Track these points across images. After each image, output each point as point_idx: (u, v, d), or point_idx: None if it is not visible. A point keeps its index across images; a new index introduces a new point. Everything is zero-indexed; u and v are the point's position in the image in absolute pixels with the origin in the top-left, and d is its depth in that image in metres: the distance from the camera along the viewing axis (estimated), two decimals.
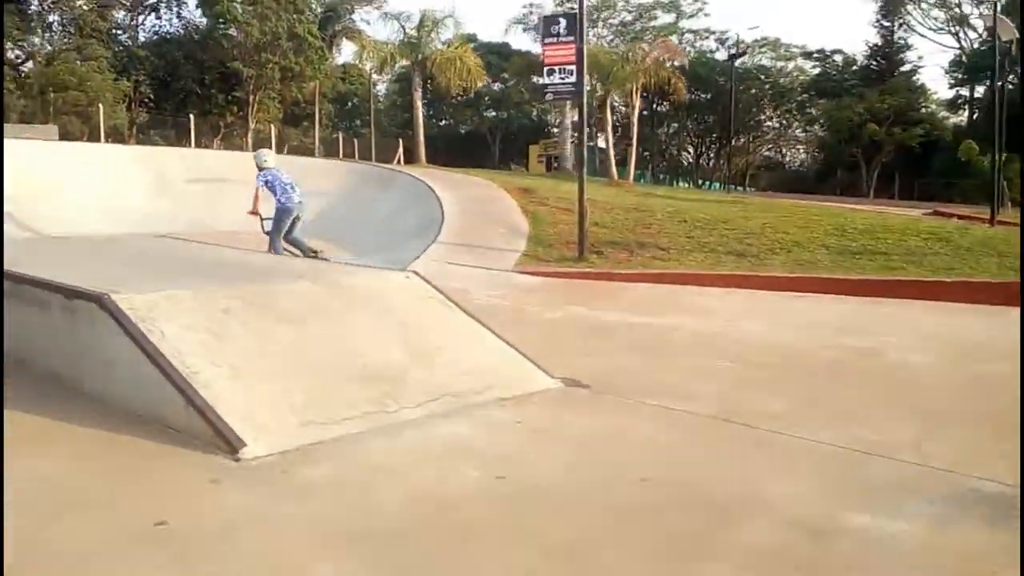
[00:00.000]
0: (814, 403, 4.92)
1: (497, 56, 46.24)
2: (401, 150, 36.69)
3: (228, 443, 3.76)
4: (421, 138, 32.95)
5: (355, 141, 40.20)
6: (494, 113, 56.29)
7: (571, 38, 11.16)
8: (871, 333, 7.14)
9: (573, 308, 8.39)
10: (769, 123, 53.82)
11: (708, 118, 51.49)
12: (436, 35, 31.76)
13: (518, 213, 13.75)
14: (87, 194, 14.04)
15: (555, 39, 11.35)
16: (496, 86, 50.32)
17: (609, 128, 28.29)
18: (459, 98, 51.09)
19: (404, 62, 33.93)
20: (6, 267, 5.63)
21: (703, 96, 47.73)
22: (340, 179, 16.79)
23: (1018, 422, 3.94)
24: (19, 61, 38.97)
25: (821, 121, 47.25)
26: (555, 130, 57.97)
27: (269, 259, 7.00)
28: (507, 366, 5.30)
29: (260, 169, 11.00)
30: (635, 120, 30.23)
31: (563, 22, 11.38)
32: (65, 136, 24.17)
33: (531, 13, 45.04)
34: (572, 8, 38.86)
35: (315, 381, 4.45)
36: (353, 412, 4.27)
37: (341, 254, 12.76)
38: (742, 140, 52.30)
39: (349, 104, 55.89)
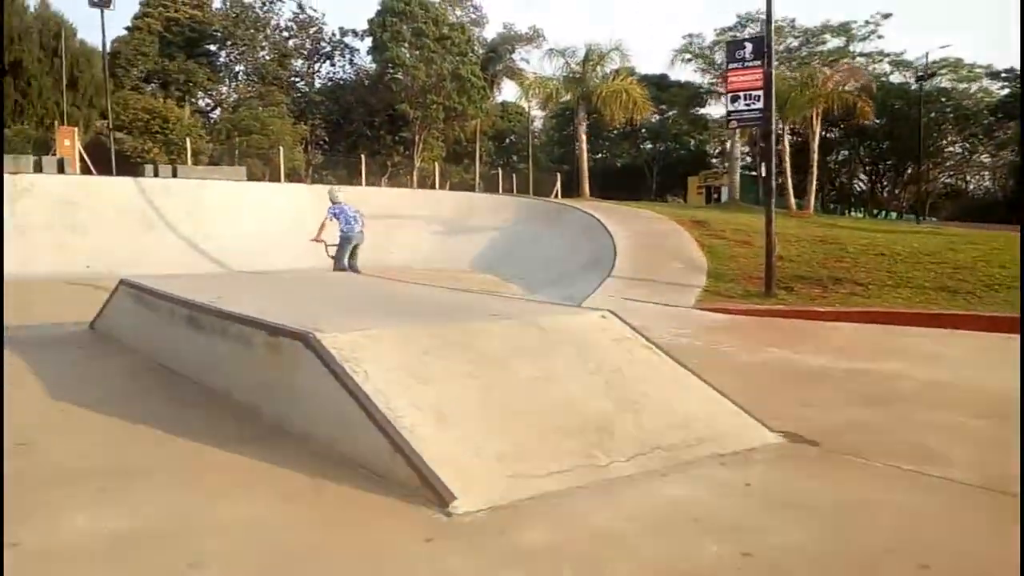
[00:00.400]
0: None
1: (656, 88, 45.70)
2: (559, 184, 36.83)
3: (437, 495, 3.49)
4: (585, 171, 32.88)
5: (513, 176, 40.81)
6: (651, 145, 55.61)
7: (758, 63, 10.55)
8: None
9: (773, 350, 7.68)
10: (951, 148, 49.72)
11: (882, 144, 48.27)
12: (601, 68, 31.67)
13: (694, 246, 13.11)
14: (271, 230, 14.77)
15: (740, 64, 10.77)
16: (654, 118, 49.67)
17: (787, 157, 26.86)
18: (617, 131, 50.92)
19: (567, 96, 34.02)
20: (212, 303, 5.76)
21: (876, 121, 44.86)
22: (508, 214, 16.84)
23: None
24: (208, 108, 42.72)
25: (1013, 145, 43.05)
26: (714, 160, 56.64)
27: (459, 296, 6.84)
28: (720, 417, 4.78)
29: (332, 203, 12.40)
30: (815, 147, 28.52)
31: (749, 47, 10.79)
32: (249, 177, 25.97)
33: (691, 44, 44.27)
34: (754, 33, 37.84)
35: (520, 428, 4.13)
36: (561, 465, 3.90)
37: (511, 288, 12.65)
38: (923, 167, 48.75)
39: (507, 140, 57.15)
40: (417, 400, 4.12)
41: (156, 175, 18.88)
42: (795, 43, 45.57)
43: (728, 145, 56.34)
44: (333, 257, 12.21)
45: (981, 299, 9.98)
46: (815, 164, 28.73)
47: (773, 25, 10.60)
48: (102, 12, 22.42)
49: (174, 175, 18.87)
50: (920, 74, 38.91)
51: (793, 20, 44.35)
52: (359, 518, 3.48)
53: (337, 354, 4.31)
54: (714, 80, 41.62)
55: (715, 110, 47.83)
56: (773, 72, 10.43)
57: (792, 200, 25.64)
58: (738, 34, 40.22)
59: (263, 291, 6.87)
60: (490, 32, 48.71)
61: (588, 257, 12.96)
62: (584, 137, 33.40)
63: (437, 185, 34.95)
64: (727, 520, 3.45)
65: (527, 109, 47.00)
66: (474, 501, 3.45)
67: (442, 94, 38.18)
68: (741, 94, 10.68)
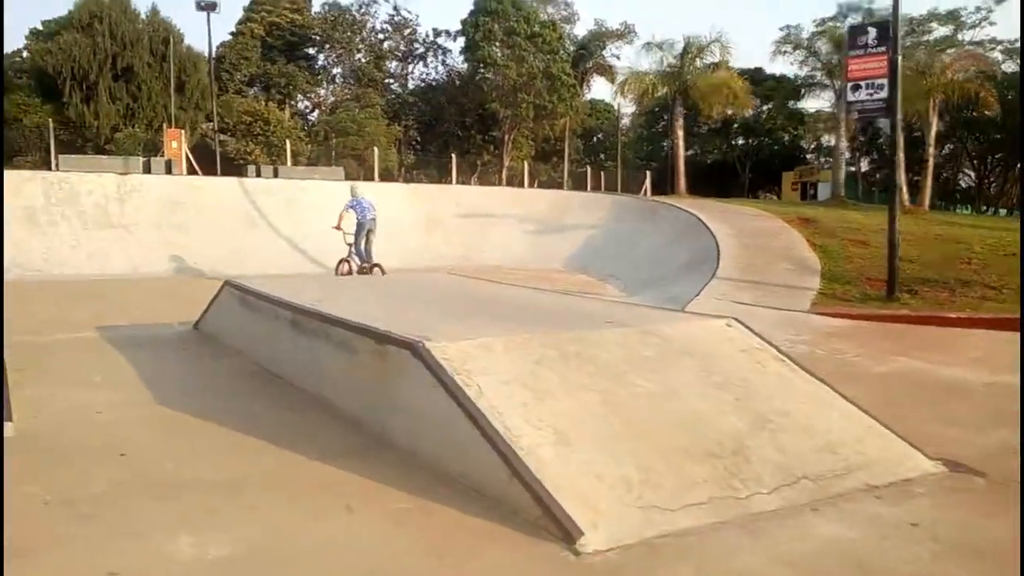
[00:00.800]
0: None
1: (750, 81, 44.16)
2: (648, 181, 36.06)
3: (562, 529, 3.15)
4: (681, 168, 31.99)
5: (602, 174, 40.20)
6: (743, 140, 53.90)
7: (882, 49, 9.77)
8: None
9: (904, 360, 7.03)
10: None
11: (993, 137, 45.21)
12: (700, 61, 30.70)
13: (804, 246, 12.35)
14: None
15: (862, 51, 10.01)
16: (747, 112, 48.06)
17: (900, 151, 25.23)
18: (709, 127, 49.56)
19: (662, 91, 33.12)
20: (315, 306, 5.60)
21: (990, 112, 41.95)
22: (602, 212, 16.40)
23: None
24: (307, 111, 43.78)
25: None
26: (809, 156, 54.36)
27: (568, 300, 6.50)
28: (868, 440, 4.26)
29: (352, 196, 13.30)
30: (931, 140, 26.76)
31: (872, 32, 10.02)
32: (345, 177, 26.32)
33: (789, 35, 42.53)
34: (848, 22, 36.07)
35: (648, 452, 3.75)
36: (697, 495, 3.51)
37: (607, 288, 12.21)
38: None
39: (594, 139, 56.48)
40: (534, 417, 3.79)
41: (259, 175, 19.28)
42: (900, 32, 43.13)
43: (829, 140, 54.02)
44: (349, 244, 13.11)
45: None
46: (931, 158, 26.95)
47: (899, 11, 9.79)
48: (208, 16, 23.15)
49: (275, 175, 19.24)
50: None
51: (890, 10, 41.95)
52: (473, 548, 3.18)
53: (448, 365, 4.03)
54: (813, 72, 39.90)
55: (811, 104, 45.96)
56: (900, 59, 9.64)
57: (905, 196, 24.05)
58: (839, 24, 38.44)
59: (363, 294, 6.70)
60: (580, 29, 48.25)
61: (689, 257, 12.39)
62: (681, 133, 32.42)
63: (526, 184, 34.70)
64: (899, 569, 2.99)
65: (617, 107, 46.31)
66: (604, 538, 3.10)
67: (532, 92, 37.91)
68: (863, 83, 9.93)
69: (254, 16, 40.29)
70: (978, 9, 40.37)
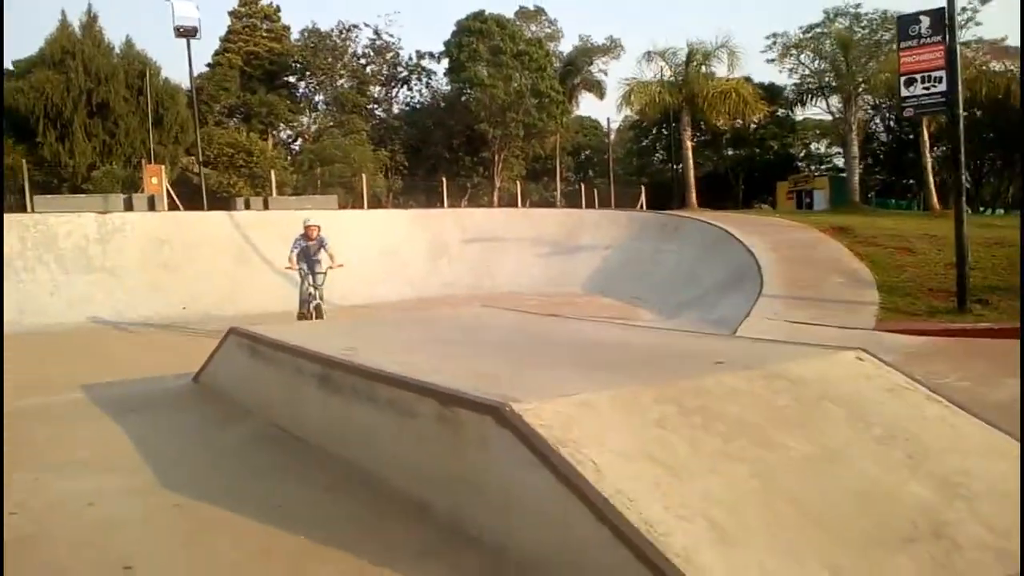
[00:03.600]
0: None
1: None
2: (643, 196, 35.40)
3: None
4: (692, 180, 31.19)
5: (594, 191, 39.51)
6: (732, 151, 53.49)
7: (938, 38, 8.99)
8: None
9: (1016, 383, 6.13)
10: None
11: (987, 136, 44.98)
12: (706, 68, 30.00)
13: (849, 257, 11.50)
14: (369, 260, 13.81)
15: (915, 42, 9.22)
16: (738, 122, 47.62)
17: (927, 151, 24.29)
18: (699, 139, 49.04)
19: (668, 100, 32.35)
20: (348, 357, 4.65)
21: (977, 112, 41.68)
22: (618, 230, 15.54)
23: None
24: (290, 140, 42.84)
25: None
26: (799, 164, 53.92)
27: (648, 334, 5.56)
28: None
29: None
30: (961, 138, 26.11)
31: (925, 20, 9.21)
32: (339, 205, 25.36)
33: (775, 43, 42.20)
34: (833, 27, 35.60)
35: (832, 543, 2.81)
36: None
37: (640, 313, 11.29)
38: None
39: (582, 156, 55.91)
40: (677, 505, 2.84)
41: (248, 207, 18.29)
42: (887, 36, 42.94)
43: (819, 147, 53.70)
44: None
45: None
46: (963, 156, 26.30)
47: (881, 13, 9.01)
48: (188, 42, 22.17)
49: (266, 207, 18.25)
50: None
51: (885, 11, 41.82)
52: None
53: (547, 434, 3.09)
54: (805, 79, 39.53)
55: (799, 112, 45.57)
56: (959, 47, 8.86)
57: (935, 199, 23.27)
58: (827, 30, 38.17)
59: (400, 338, 5.72)
60: (566, 46, 47.72)
61: (725, 274, 11.50)
62: (689, 144, 31.62)
63: (519, 204, 33.92)
64: None
65: (606, 122, 45.75)
66: None
67: (521, 111, 37.22)
68: (917, 76, 9.13)
69: (231, 46, 39.42)
70: (963, 10, 40.18)
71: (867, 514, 3.01)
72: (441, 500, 3.61)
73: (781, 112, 49.14)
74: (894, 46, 38.42)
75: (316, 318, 10.76)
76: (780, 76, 45.03)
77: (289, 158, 37.60)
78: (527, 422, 3.14)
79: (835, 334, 8.12)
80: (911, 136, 32.35)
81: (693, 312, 10.19)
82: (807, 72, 37.52)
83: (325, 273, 11.05)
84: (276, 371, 5.47)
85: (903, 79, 9.47)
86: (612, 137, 55.31)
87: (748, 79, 43.76)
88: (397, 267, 13.45)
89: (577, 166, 54.11)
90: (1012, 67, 27.69)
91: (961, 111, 9.37)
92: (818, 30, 38.96)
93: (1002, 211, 45.06)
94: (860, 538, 2.88)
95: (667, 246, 14.01)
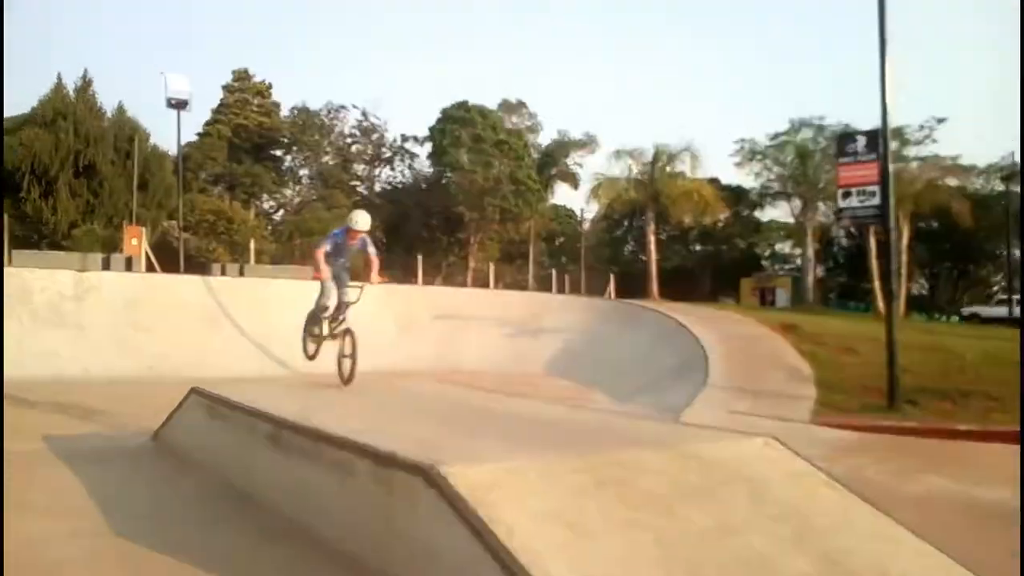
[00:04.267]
0: None
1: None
2: (612, 284, 36.21)
3: None
4: (654, 272, 32.16)
5: (566, 277, 40.35)
6: (700, 247, 55.09)
7: (872, 156, 9.79)
8: None
9: (931, 479, 6.57)
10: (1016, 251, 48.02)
11: (942, 246, 46.86)
12: (671, 168, 31.46)
13: (792, 353, 12.05)
14: None
15: (852, 158, 10.02)
16: (720, 217, 49.30)
17: (873, 257, 25.68)
18: (668, 233, 50.57)
19: (634, 196, 33.67)
20: (299, 420, 4.97)
21: (932, 223, 43.70)
22: (581, 315, 16.05)
23: None
24: (272, 210, 43.53)
25: None
26: (764, 263, 55.61)
27: (582, 414, 5.94)
28: None
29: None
30: (903, 247, 27.40)
31: (861, 140, 10.06)
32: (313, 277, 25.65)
33: (742, 148, 44.19)
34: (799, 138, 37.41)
35: None
36: None
37: (595, 397, 11.66)
38: (981, 269, 47.42)
39: (556, 242, 57.22)
40: (584, 566, 3.18)
41: (223, 273, 18.61)
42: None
43: (783, 247, 55.39)
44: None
45: None
46: (905, 265, 27.52)
47: (888, 118, 9.86)
48: (179, 114, 22.90)
49: (241, 273, 18.59)
50: (1004, 174, 37.96)
51: (847, 125, 44.07)
52: None
53: (468, 495, 3.43)
54: (770, 183, 41.31)
55: (769, 213, 47.33)
56: (891, 166, 9.64)
57: (881, 303, 24.37)
58: (791, 139, 40.11)
59: (354, 405, 6.05)
60: (544, 138, 49.51)
61: (675, 362, 11.97)
62: (653, 238, 32.80)
63: (491, 285, 34.52)
64: None
65: (580, 212, 47.18)
66: None
67: (499, 196, 38.37)
68: (854, 190, 9.89)
69: (222, 118, 40.46)
70: (921, 127, 42.52)
71: None
72: (373, 553, 3.90)
73: (746, 212, 51.07)
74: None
75: (343, 353, 8.03)
76: (748, 178, 46.84)
77: (270, 228, 38.17)
78: (451, 483, 3.48)
79: (770, 425, 8.51)
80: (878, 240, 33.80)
81: (645, 397, 10.59)
82: (771, 176, 39.14)
83: (361, 287, 8.03)
84: (231, 430, 5.76)
85: (841, 192, 10.23)
86: (587, 227, 56.88)
87: (714, 180, 45.63)
88: (362, 338, 13.73)
89: (551, 252, 55.32)
90: (959, 183, 29.28)
91: (892, 223, 10.09)
92: (784, 138, 40.90)
93: (956, 318, 46.57)
94: None
95: (626, 334, 14.51)
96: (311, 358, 8.81)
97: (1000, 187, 44.57)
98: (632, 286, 38.52)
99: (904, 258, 27.56)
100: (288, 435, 4.91)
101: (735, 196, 50.07)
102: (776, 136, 41.50)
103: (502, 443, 4.38)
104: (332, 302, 8.43)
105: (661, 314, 15.05)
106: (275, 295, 14.86)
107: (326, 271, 8.09)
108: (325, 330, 8.54)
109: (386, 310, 15.50)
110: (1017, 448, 7.73)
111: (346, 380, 8.22)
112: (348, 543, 4.10)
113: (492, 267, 37.31)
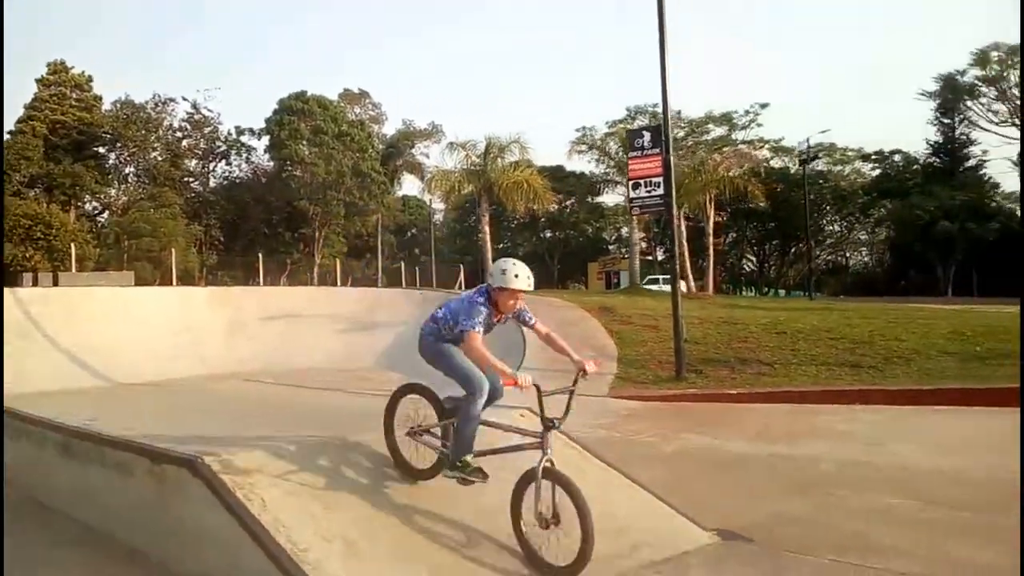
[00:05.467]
0: None
1: (552, 179, 46.92)
2: (463, 275, 36.81)
3: None
4: (489, 262, 32.97)
5: (416, 270, 40.66)
6: (551, 233, 56.88)
7: (656, 150, 10.83)
8: None
9: (691, 437, 7.55)
10: (831, 227, 52.93)
11: (769, 225, 50.93)
12: (501, 160, 32.28)
13: (603, 333, 13.07)
14: (163, 338, 13.87)
15: (640, 152, 11.03)
16: (553, 207, 50.93)
17: (684, 240, 27.84)
18: (518, 221, 51.95)
19: (468, 188, 34.38)
20: (86, 426, 5.18)
21: (762, 204, 47.39)
22: (413, 308, 16.44)
23: None
24: (96, 212, 41.03)
25: (888, 222, 46.21)
26: (611, 247, 58.29)
27: (363, 401, 6.42)
28: (653, 520, 4.54)
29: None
30: (710, 230, 29.74)
31: (647, 135, 11.09)
32: (138, 281, 24.67)
33: (585, 136, 46.03)
34: (635, 124, 39.38)
35: (441, 555, 3.75)
36: None
37: None
38: (804, 246, 51.97)
39: (408, 234, 57.32)
40: (324, 529, 3.68)
41: (35, 284, 17.63)
42: (681, 133, 48.03)
43: (625, 231, 58.09)
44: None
45: (883, 372, 10.25)
46: (711, 247, 29.86)
47: (668, 114, 10.92)
48: None
49: (55, 283, 17.67)
50: (803, 157, 41.45)
51: (679, 111, 46.85)
52: None
53: (229, 480, 3.84)
54: (608, 170, 43.26)
55: (610, 198, 49.49)
56: (672, 159, 10.69)
57: (692, 282, 26.52)
58: (630, 126, 42.15)
59: (147, 408, 6.25)
60: (390, 128, 49.40)
61: (498, 349, 12.62)
62: (487, 228, 33.68)
63: (339, 281, 34.35)
64: None
65: (428, 203, 47.55)
66: None
67: (342, 190, 38.03)
68: (642, 181, 10.90)
69: (36, 114, 37.62)
70: (747, 112, 45.93)
71: (479, 532, 3.99)
72: (154, 547, 4.23)
73: (590, 199, 53.29)
74: (688, 143, 43.21)
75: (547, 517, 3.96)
76: (588, 165, 48.98)
77: (93, 231, 36.05)
78: (214, 471, 3.88)
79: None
80: (701, 225, 36.21)
81: None
82: (610, 164, 40.95)
83: (573, 390, 4.55)
84: (26, 442, 5.83)
85: (631, 183, 11.29)
86: (441, 217, 57.35)
87: (559, 168, 47.38)
88: (189, 345, 13.58)
89: (402, 244, 55.34)
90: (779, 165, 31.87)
91: (674, 212, 11.22)
92: (622, 126, 42.85)
93: (783, 292, 50.78)
94: (469, 547, 3.85)
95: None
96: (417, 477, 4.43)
97: (822, 167, 49.05)
98: (484, 275, 39.36)
99: (711, 239, 29.94)
100: (76, 443, 5.10)
101: (579, 183, 52.25)
102: (615, 124, 43.50)
103: (274, 431, 4.80)
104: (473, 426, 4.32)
105: None
106: (90, 306, 14.34)
107: (522, 379, 4.26)
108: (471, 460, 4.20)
109: (215, 315, 15.35)
110: (777, 406, 8.98)
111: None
112: (134, 539, 4.41)
113: (338, 263, 37.08)
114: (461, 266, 39.19)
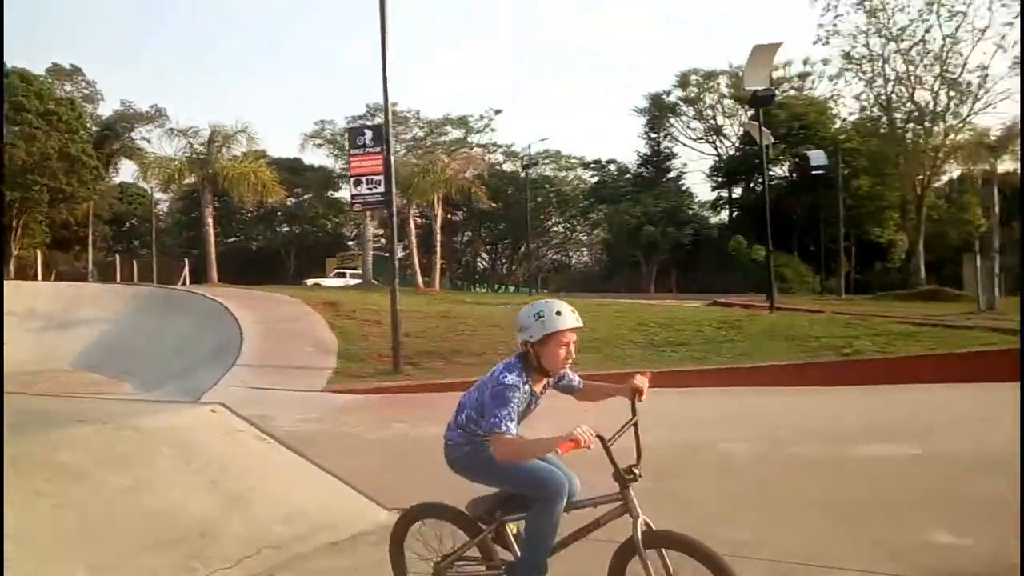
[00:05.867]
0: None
1: (289, 172, 45.59)
2: (187, 270, 34.60)
3: None
4: (212, 256, 31.29)
5: (134, 263, 37.49)
6: (287, 228, 55.26)
7: (378, 149, 11.09)
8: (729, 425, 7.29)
9: (397, 426, 7.95)
10: (555, 228, 57.03)
11: (500, 226, 53.68)
12: (227, 150, 30.72)
13: (325, 328, 13.14)
14: None
15: (361, 150, 11.22)
16: (290, 201, 49.47)
17: (413, 237, 28.58)
18: (250, 214, 49.80)
19: (192, 179, 32.37)
20: None
21: (493, 204, 49.91)
22: (121, 304, 15.33)
23: None
24: None
25: (604, 225, 50.76)
26: (351, 243, 57.91)
27: (40, 402, 5.99)
28: (335, 502, 4.80)
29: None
30: (437, 229, 30.78)
31: (368, 133, 11.33)
32: None
33: (323, 129, 45.33)
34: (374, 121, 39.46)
35: (103, 552, 3.70)
36: None
37: (122, 387, 11.46)
38: (532, 245, 55.58)
39: (127, 225, 52.53)
40: None
41: None
42: (421, 133, 49.06)
43: (361, 227, 58.24)
44: None
45: (576, 360, 11.40)
46: (439, 244, 30.90)
47: (392, 114, 11.29)
48: None
49: None
50: (526, 163, 44.24)
51: (418, 112, 47.86)
52: None
53: None
54: (346, 165, 42.96)
55: (348, 193, 49.22)
56: (392, 158, 11.02)
57: (420, 278, 27.30)
58: (368, 122, 42.20)
59: None
60: (106, 109, 44.94)
61: (213, 346, 12.26)
62: (211, 221, 31.93)
63: (40, 276, 30.74)
64: None
65: (150, 191, 43.95)
66: None
67: (47, 174, 33.98)
68: (364, 178, 11.12)
69: None
70: (481, 117, 48.00)
71: (151, 529, 3.98)
72: None
73: (330, 193, 52.62)
74: (427, 143, 44.06)
75: None
76: (327, 159, 48.43)
77: None
78: None
79: (286, 396, 9.38)
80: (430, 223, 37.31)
81: (175, 383, 10.75)
82: (347, 159, 40.74)
83: (636, 420, 3.05)
84: None
85: (352, 180, 11.51)
86: (162, 208, 53.11)
87: (296, 160, 46.17)
88: None
89: (119, 235, 50.72)
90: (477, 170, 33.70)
91: (394, 210, 11.62)
92: (362, 122, 42.73)
93: (512, 289, 53.82)
94: (134, 546, 3.83)
95: (170, 321, 14.34)
96: None
97: (548, 172, 52.50)
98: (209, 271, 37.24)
99: (439, 237, 31.09)
100: None
101: (317, 177, 51.24)
102: (355, 119, 43.26)
103: None
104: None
105: (208, 299, 15.13)
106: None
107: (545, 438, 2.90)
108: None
109: None
110: None
111: None
112: None
113: (39, 255, 33.14)
114: (186, 260, 36.86)
